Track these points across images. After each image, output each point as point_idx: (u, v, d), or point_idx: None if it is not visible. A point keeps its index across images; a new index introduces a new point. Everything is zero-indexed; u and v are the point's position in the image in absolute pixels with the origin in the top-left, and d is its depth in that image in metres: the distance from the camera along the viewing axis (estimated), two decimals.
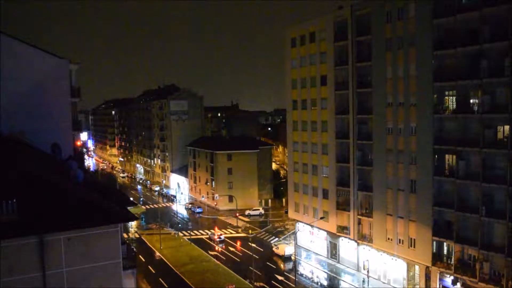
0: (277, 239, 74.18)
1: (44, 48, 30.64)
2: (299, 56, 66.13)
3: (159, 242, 71.30)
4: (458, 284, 44.39)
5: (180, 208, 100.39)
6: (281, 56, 71.03)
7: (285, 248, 64.74)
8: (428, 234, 47.04)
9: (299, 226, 69.05)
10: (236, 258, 65.46)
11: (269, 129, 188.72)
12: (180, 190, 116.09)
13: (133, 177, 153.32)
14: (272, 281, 55.74)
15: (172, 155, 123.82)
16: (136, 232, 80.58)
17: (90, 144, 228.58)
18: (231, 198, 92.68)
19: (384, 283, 53.15)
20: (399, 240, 50.95)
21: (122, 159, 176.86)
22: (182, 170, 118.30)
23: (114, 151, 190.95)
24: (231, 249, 69.75)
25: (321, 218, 61.36)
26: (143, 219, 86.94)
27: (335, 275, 57.55)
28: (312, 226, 65.19)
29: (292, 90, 67.94)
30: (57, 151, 27.56)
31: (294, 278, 54.91)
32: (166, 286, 55.28)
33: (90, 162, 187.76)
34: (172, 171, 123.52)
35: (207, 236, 76.20)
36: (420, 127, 47.49)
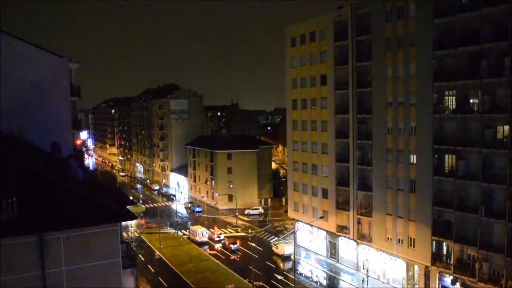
0: (276, 238, 74.17)
1: (44, 47, 30.63)
2: (299, 56, 66.10)
3: (159, 241, 71.31)
4: (458, 284, 44.43)
5: (179, 207, 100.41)
6: (281, 56, 70.98)
7: (285, 248, 64.72)
8: (427, 234, 47.07)
9: (299, 225, 69.07)
10: (235, 257, 65.48)
11: (269, 128, 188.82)
12: (179, 189, 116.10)
13: (133, 176, 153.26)
14: (272, 281, 55.75)
15: (171, 154, 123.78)
16: (135, 231, 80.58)
17: (90, 143, 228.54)
18: (230, 197, 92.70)
19: (383, 282, 53.19)
20: (399, 239, 50.98)
21: (122, 158, 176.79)
22: (182, 169, 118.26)
23: (114, 150, 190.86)
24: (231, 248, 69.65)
25: (321, 217, 61.38)
26: (143, 217, 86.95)
27: (334, 275, 57.57)
28: (311, 225, 65.22)
29: (292, 90, 67.94)
30: (56, 149, 27.53)
31: (293, 277, 54.92)
32: (166, 285, 55.29)
33: (89, 161, 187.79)
34: (171, 170, 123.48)
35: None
36: (420, 127, 47.49)
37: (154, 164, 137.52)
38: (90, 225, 18.69)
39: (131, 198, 41.27)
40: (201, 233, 72.18)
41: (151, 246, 71.03)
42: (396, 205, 51.00)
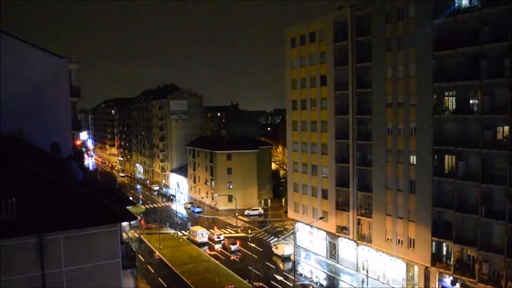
0: (276, 239, 74.16)
1: (44, 48, 30.62)
2: (299, 56, 66.11)
3: (159, 241, 71.27)
4: (457, 285, 44.42)
5: (179, 207, 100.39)
6: (281, 56, 71.00)
7: (285, 248, 64.70)
8: (427, 235, 47.06)
9: (299, 226, 69.06)
10: (235, 258, 65.45)
11: (269, 129, 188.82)
12: (179, 189, 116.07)
13: (133, 176, 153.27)
14: (271, 281, 55.73)
15: (171, 154, 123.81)
16: (135, 231, 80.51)
17: (89, 143, 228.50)
18: (230, 198, 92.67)
19: (383, 283, 53.17)
20: (399, 240, 50.96)
21: (121, 159, 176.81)
22: (182, 170, 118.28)
23: (114, 150, 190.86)
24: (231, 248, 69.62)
25: (321, 218, 61.36)
26: (143, 218, 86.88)
27: (334, 275, 57.55)
28: (311, 226, 65.20)
29: (292, 90, 67.94)
30: (56, 150, 27.53)
31: (293, 278, 54.91)
32: (165, 286, 55.25)
33: (89, 162, 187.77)
34: (171, 171, 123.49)
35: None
36: (420, 127, 47.50)
37: (154, 165, 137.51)
38: (90, 225, 18.71)
39: (131, 198, 41.13)
40: (201, 234, 72.13)
41: (151, 246, 71.00)
42: (396, 206, 50.99)
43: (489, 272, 41.48)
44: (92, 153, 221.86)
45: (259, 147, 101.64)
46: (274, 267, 61.53)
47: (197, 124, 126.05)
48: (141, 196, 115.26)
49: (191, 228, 76.41)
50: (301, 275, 58.19)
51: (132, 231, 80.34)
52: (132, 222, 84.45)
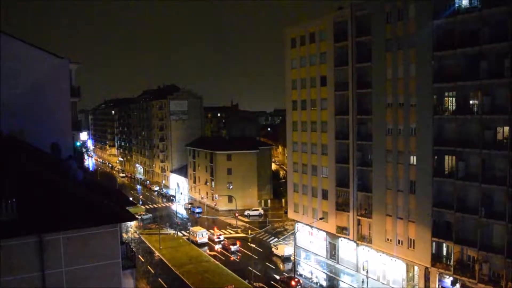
0: (276, 239, 74.13)
1: (44, 48, 30.63)
2: (299, 57, 66.11)
3: (159, 242, 71.25)
4: (457, 285, 44.40)
5: (179, 208, 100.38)
6: (281, 57, 71.04)
7: (285, 249, 64.67)
8: (427, 235, 47.04)
9: (299, 226, 69.04)
10: (235, 258, 65.43)
11: (269, 129, 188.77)
12: (179, 190, 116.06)
13: (133, 177, 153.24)
14: (271, 282, 55.72)
15: (171, 155, 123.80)
16: (135, 232, 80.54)
17: (89, 144, 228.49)
18: (230, 198, 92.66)
19: (383, 283, 53.15)
20: (399, 241, 50.95)
21: (121, 159, 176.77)
22: (182, 170, 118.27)
23: (114, 151, 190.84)
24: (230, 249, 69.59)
25: (321, 218, 61.35)
26: (143, 219, 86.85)
27: (334, 276, 57.53)
28: (311, 226, 65.17)
29: (292, 91, 67.95)
30: (56, 150, 27.53)
31: None
32: (165, 286, 55.24)
33: (89, 162, 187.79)
34: (171, 171, 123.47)
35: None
36: (420, 128, 47.49)
37: (154, 165, 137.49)
38: (90, 226, 18.70)
39: (130, 199, 41.31)
40: (201, 234, 72.10)
41: (151, 247, 70.97)
42: (396, 206, 50.97)
43: (489, 272, 41.49)
44: (92, 153, 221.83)
45: (259, 147, 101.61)
46: (274, 267, 61.51)
47: (197, 125, 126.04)
48: (141, 197, 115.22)
49: (191, 228, 76.39)
50: (301, 275, 58.17)
51: (132, 230, 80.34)
52: (145, 217, 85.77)
